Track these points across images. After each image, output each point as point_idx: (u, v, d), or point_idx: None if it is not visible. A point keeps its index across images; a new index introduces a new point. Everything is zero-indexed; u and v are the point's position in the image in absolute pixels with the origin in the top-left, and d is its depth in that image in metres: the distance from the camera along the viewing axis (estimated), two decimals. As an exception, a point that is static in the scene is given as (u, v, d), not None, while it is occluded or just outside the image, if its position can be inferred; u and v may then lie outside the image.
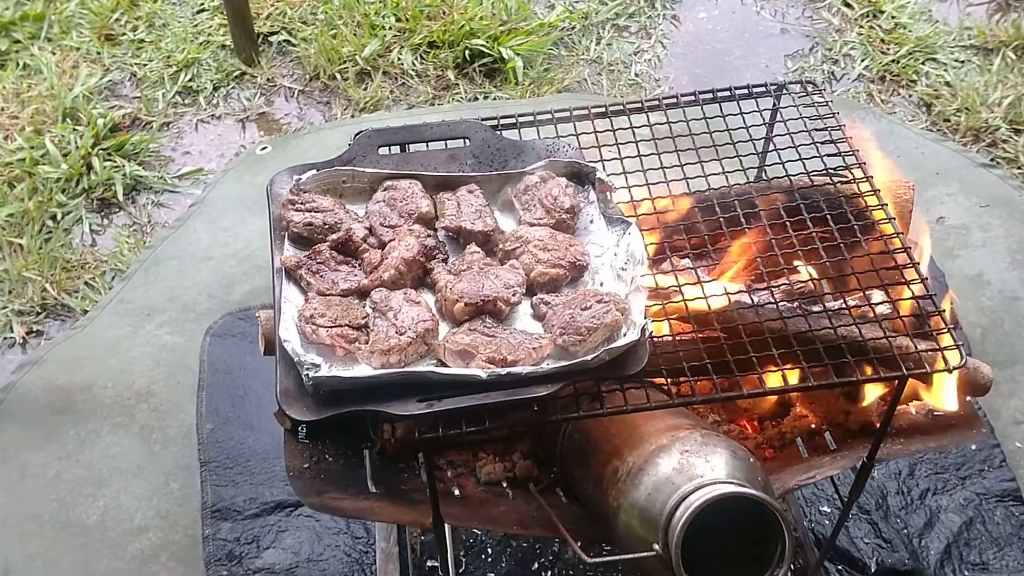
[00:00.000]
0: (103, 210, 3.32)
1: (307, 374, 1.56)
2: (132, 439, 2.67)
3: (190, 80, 3.69)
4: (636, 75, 3.89)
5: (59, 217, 3.24)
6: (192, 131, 3.58)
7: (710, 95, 2.08)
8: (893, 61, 3.86)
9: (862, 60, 3.90)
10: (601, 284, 1.71)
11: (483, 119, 1.99)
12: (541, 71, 3.67)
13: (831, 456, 1.91)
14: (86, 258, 3.15)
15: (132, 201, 3.34)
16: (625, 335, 1.64)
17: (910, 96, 3.79)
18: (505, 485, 2.07)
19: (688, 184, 1.96)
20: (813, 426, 2.09)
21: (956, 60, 3.86)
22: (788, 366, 1.66)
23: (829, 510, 2.59)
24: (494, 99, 3.73)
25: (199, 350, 2.85)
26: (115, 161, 3.39)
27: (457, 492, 1.99)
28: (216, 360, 2.86)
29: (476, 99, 3.74)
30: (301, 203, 1.75)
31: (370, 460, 2.01)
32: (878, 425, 2.01)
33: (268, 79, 3.70)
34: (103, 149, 3.39)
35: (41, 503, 2.51)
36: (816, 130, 1.99)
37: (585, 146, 1.98)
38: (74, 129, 3.43)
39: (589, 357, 1.58)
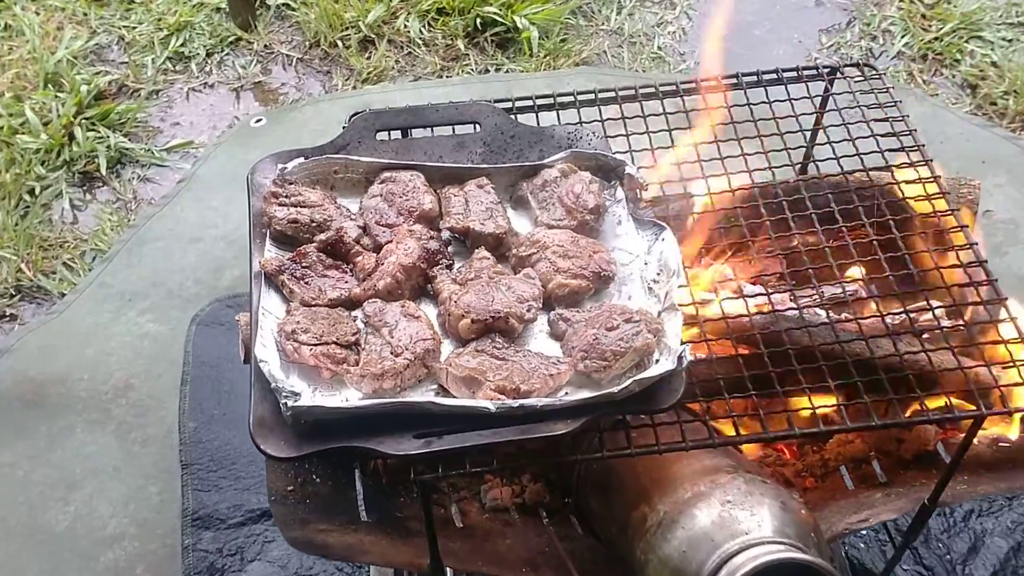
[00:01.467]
0: (85, 184, 3.18)
1: (285, 403, 1.34)
2: (108, 437, 2.54)
3: (182, 45, 3.53)
4: (659, 48, 3.65)
5: (37, 191, 3.11)
6: (183, 100, 3.44)
7: (754, 78, 1.86)
8: (935, 38, 3.62)
9: (902, 36, 3.65)
10: (629, 298, 1.52)
11: (496, 101, 1.79)
12: (557, 42, 3.47)
13: (883, 492, 1.69)
14: (65, 236, 3.00)
15: (116, 175, 3.20)
16: (658, 361, 1.43)
17: (953, 76, 3.54)
18: (513, 511, 1.85)
19: (730, 180, 1.73)
20: (860, 453, 1.85)
21: (1004, 39, 3.62)
22: (842, 399, 1.43)
23: (866, 532, 2.37)
24: (507, 71, 3.51)
25: (184, 340, 2.70)
26: (99, 131, 3.24)
27: (459, 521, 1.77)
28: (202, 351, 2.70)
29: (487, 71, 3.52)
30: (286, 196, 1.57)
31: (362, 482, 1.78)
32: (936, 451, 1.79)
33: (265, 46, 3.55)
34: (86, 118, 3.25)
35: (7, 506, 2.38)
36: (876, 120, 1.74)
37: (612, 134, 1.77)
38: (56, 96, 3.28)
39: (616, 388, 1.36)
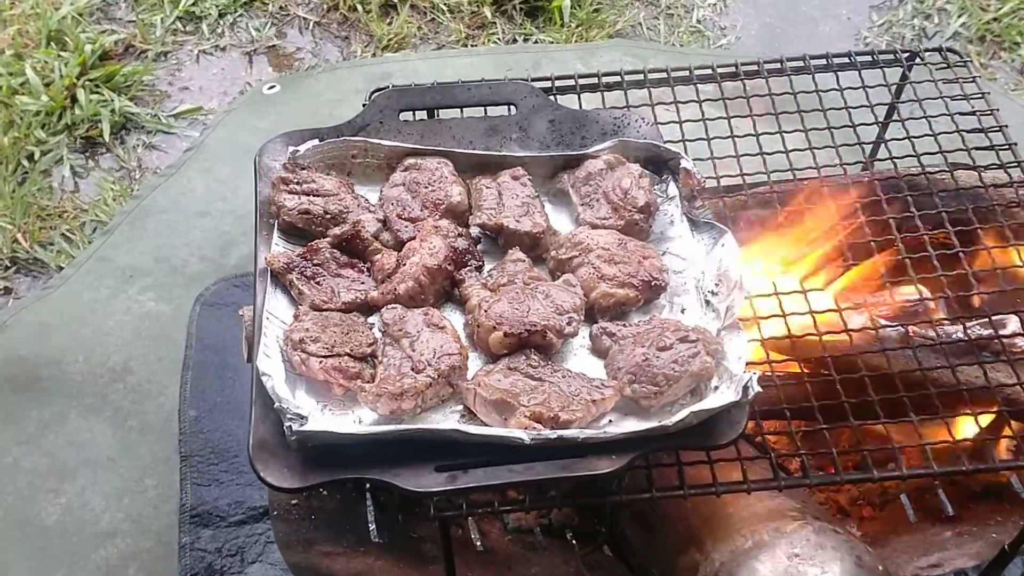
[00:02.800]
0: (87, 150, 2.99)
1: (290, 426, 1.18)
2: (103, 425, 2.39)
3: (193, 4, 3.33)
4: (698, 22, 3.45)
5: (36, 156, 2.93)
6: (192, 63, 3.25)
7: (823, 61, 1.67)
8: (994, 19, 3.41)
9: (958, 16, 3.44)
10: (683, 311, 1.39)
11: (534, 79, 1.64)
12: (590, 12, 3.35)
13: (952, 531, 1.51)
14: (64, 205, 2.83)
15: (120, 142, 3.02)
16: (716, 388, 1.26)
17: (1013, 61, 3.33)
18: (538, 532, 1.68)
19: (795, 174, 1.57)
20: (923, 481, 1.67)
21: (1068, 21, 3.39)
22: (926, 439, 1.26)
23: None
24: (535, 42, 3.33)
25: (187, 321, 2.53)
26: (103, 94, 3.05)
27: (480, 544, 1.60)
28: (206, 334, 2.53)
29: (515, 41, 3.34)
30: (297, 183, 1.45)
31: (373, 498, 1.62)
32: (1008, 484, 1.61)
33: (281, 7, 3.35)
34: (90, 80, 3.06)
35: (-7, 496, 2.18)
36: (960, 114, 1.55)
37: (663, 120, 1.61)
38: (59, 55, 3.08)
39: (670, 421, 1.20)
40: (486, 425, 1.22)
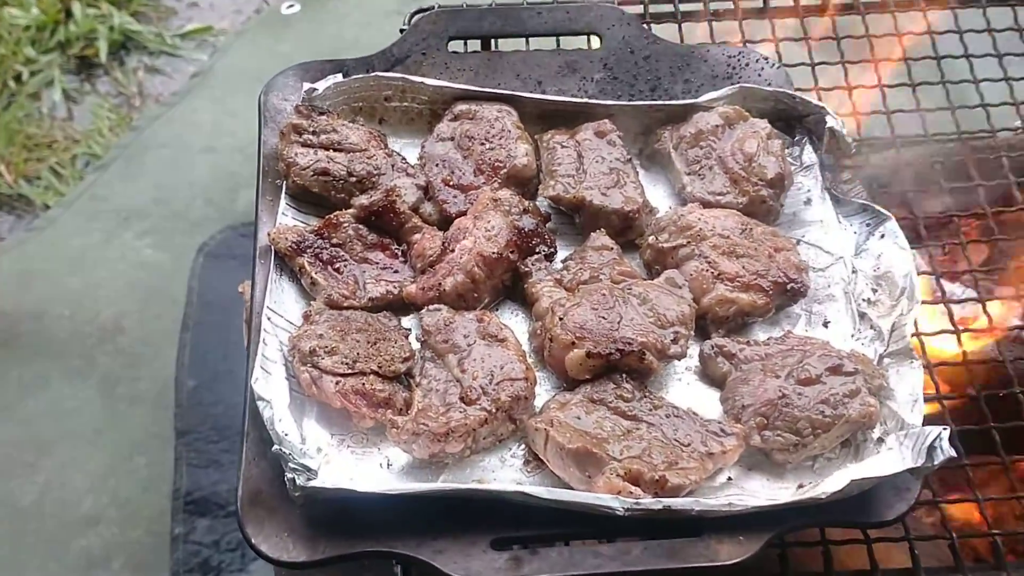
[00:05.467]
0: (81, 72, 2.82)
1: (293, 479, 0.94)
2: (90, 392, 2.24)
3: None
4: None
5: (24, 77, 2.77)
6: None
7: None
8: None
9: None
10: (826, 325, 1.12)
11: (621, 2, 1.45)
12: None
13: None
14: (54, 135, 2.68)
15: (119, 63, 2.85)
16: (881, 441, 0.98)
17: None
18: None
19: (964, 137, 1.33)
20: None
21: None
22: None
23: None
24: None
25: (188, 274, 2.42)
26: (100, 8, 2.88)
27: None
28: (208, 289, 2.40)
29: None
30: (313, 132, 1.24)
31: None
32: None
33: None
34: None
35: (-38, 469, 2.12)
36: None
37: (790, 62, 1.35)
38: None
39: (823, 493, 0.92)
40: (560, 480, 0.99)
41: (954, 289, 1.24)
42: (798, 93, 1.27)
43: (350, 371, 1.03)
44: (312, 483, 0.92)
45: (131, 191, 2.56)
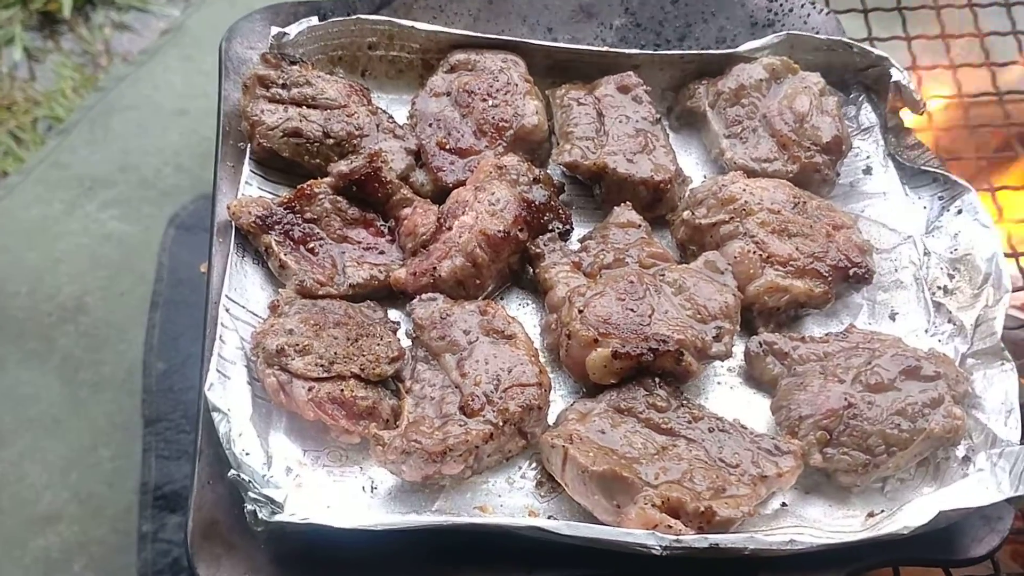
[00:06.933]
0: (44, 29, 2.72)
1: (255, 511, 0.79)
2: (49, 377, 2.14)
3: None
4: None
5: None
6: None
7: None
8: None
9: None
10: (894, 317, 0.99)
11: None
12: None
13: None
14: (14, 96, 2.58)
15: (84, 19, 2.75)
16: (969, 461, 0.84)
17: None
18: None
19: None
20: None
21: None
22: None
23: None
24: None
25: (157, 248, 2.31)
26: None
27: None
28: (180, 265, 2.30)
29: None
30: (283, 85, 1.13)
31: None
32: None
33: None
34: None
35: (-91, 463, 2.11)
36: None
37: (840, 8, 1.21)
38: None
39: (905, 528, 0.78)
40: (581, 508, 0.85)
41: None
42: (857, 42, 1.11)
43: (326, 374, 0.91)
44: (278, 517, 0.76)
45: (96, 157, 2.45)
